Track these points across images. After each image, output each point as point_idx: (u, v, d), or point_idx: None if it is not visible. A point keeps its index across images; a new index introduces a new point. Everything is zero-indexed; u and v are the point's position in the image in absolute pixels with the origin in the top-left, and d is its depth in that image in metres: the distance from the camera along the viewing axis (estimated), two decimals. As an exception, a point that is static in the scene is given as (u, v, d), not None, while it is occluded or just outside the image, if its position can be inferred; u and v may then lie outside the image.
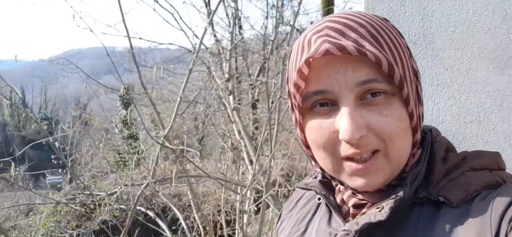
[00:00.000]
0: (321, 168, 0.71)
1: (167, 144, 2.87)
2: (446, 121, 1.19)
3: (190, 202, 5.64)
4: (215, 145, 9.04)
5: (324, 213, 0.75)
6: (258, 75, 7.15)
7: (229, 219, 5.55)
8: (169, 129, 2.76)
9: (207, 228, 4.15)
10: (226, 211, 5.38)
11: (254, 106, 7.20)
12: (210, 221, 4.72)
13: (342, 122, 0.60)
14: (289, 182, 6.60)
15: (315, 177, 0.78)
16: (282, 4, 7.24)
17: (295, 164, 6.75)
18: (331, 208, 0.72)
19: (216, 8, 3.49)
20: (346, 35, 0.61)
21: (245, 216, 4.32)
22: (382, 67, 0.59)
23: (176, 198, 6.06)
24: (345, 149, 0.62)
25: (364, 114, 0.61)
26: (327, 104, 0.63)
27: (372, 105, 0.61)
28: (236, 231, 4.44)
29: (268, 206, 4.20)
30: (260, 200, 3.81)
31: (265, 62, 7.26)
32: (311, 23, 8.17)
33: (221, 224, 5.29)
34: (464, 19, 1.16)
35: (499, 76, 1.13)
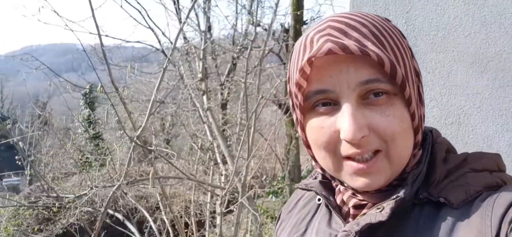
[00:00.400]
0: (321, 169, 0.71)
1: (139, 144, 2.79)
2: (428, 123, 1.22)
3: (157, 204, 5.53)
4: (182, 146, 8.94)
5: (324, 213, 0.75)
6: (228, 75, 7.13)
7: (197, 221, 5.49)
8: (142, 129, 2.69)
9: (184, 230, 4.07)
10: (196, 213, 5.31)
11: (224, 107, 7.18)
12: (182, 223, 4.65)
13: (344, 122, 0.60)
14: (258, 183, 6.62)
15: (315, 178, 0.78)
16: (251, 5, 7.28)
17: (265, 165, 6.78)
18: (331, 208, 0.72)
19: (190, 10, 3.44)
20: (349, 35, 0.60)
21: (218, 218, 4.29)
22: (385, 67, 0.59)
23: (145, 200, 5.92)
24: (346, 149, 0.62)
25: (366, 114, 0.60)
26: (328, 104, 0.63)
27: (374, 105, 0.61)
28: (207, 233, 4.39)
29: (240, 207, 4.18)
30: (236, 202, 3.79)
31: (235, 63, 7.25)
32: (281, 25, 8.26)
33: (188, 225, 5.23)
34: (445, 24, 1.20)
35: (478, 80, 1.17)
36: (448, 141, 0.70)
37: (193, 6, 3.58)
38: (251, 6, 7.56)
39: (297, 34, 7.45)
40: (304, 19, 8.09)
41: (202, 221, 5.37)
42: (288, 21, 7.90)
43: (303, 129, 0.68)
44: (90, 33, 3.75)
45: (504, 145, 1.16)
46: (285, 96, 6.79)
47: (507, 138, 1.15)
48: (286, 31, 7.84)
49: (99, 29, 2.82)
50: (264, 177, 7.69)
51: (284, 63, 6.77)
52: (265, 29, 6.10)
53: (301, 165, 7.94)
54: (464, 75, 1.19)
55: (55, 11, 2.66)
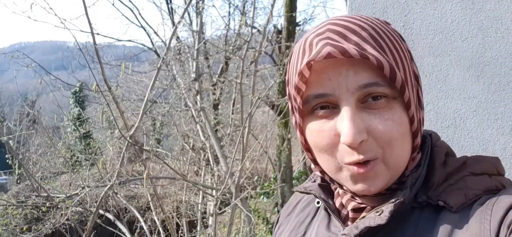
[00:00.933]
0: (321, 171, 0.70)
1: (134, 143, 2.77)
2: (425, 126, 1.22)
3: (147, 204, 5.50)
4: (173, 147, 8.89)
5: (323, 217, 0.74)
6: (220, 75, 7.13)
7: (188, 221, 5.47)
8: (136, 129, 2.67)
9: (175, 230, 4.06)
10: (187, 213, 5.29)
11: (215, 107, 7.16)
12: (173, 223, 4.63)
13: (344, 125, 0.60)
14: (250, 184, 6.62)
15: (314, 181, 0.77)
16: (244, 6, 7.27)
17: (256, 166, 6.78)
18: (330, 212, 0.71)
19: (185, 10, 3.41)
20: (348, 38, 0.60)
21: (211, 218, 4.27)
22: (384, 71, 0.59)
23: (136, 200, 5.88)
24: (345, 155, 0.62)
25: (364, 118, 0.60)
26: (328, 107, 0.62)
27: (373, 109, 0.61)
28: (198, 234, 4.37)
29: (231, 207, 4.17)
30: (228, 203, 3.78)
31: (227, 63, 7.24)
32: (274, 27, 8.28)
33: (179, 225, 5.20)
34: (442, 28, 1.21)
35: (475, 84, 1.18)
36: (448, 144, 0.70)
37: (187, 6, 3.56)
38: (244, 7, 7.56)
39: (290, 35, 7.47)
40: (297, 20, 8.12)
41: (194, 221, 5.34)
42: (281, 22, 7.92)
43: (303, 132, 0.67)
44: (82, 31, 3.72)
45: (499, 148, 1.17)
46: (277, 97, 6.80)
47: (503, 141, 1.16)
48: (279, 32, 7.86)
49: (92, 28, 2.79)
50: (256, 177, 7.69)
51: (277, 65, 6.78)
52: (259, 31, 6.09)
53: (293, 166, 7.96)
54: (461, 79, 1.19)
55: (51, 9, 2.62)
